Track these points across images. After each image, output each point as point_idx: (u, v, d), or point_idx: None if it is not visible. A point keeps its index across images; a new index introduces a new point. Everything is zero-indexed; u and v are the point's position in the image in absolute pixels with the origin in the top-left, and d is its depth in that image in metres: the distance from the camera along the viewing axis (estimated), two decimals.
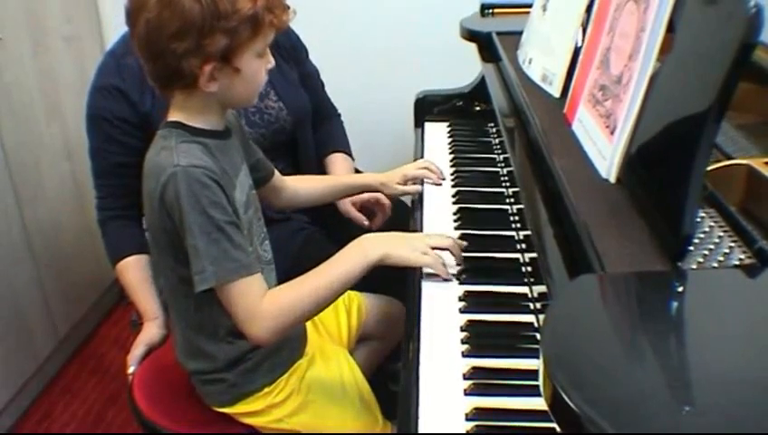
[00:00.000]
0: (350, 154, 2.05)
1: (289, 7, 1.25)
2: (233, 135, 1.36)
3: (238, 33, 1.16)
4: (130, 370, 1.57)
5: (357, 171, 2.10)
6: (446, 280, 1.33)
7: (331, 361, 1.50)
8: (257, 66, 1.24)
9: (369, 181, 1.73)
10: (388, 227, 1.77)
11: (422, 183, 1.73)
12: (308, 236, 1.89)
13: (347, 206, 1.88)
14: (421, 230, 1.55)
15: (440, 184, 1.73)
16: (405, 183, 1.71)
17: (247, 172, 1.39)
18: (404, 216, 1.76)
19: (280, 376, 1.42)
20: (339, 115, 2.14)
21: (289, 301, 1.26)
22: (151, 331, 1.61)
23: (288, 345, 1.43)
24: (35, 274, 2.31)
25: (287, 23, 1.24)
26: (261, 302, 1.23)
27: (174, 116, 1.27)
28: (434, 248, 1.34)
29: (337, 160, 2.00)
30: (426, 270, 1.35)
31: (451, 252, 1.36)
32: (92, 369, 2.54)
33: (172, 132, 1.25)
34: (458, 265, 1.37)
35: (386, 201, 1.86)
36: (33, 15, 2.28)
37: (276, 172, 1.59)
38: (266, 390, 1.41)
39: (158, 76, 1.22)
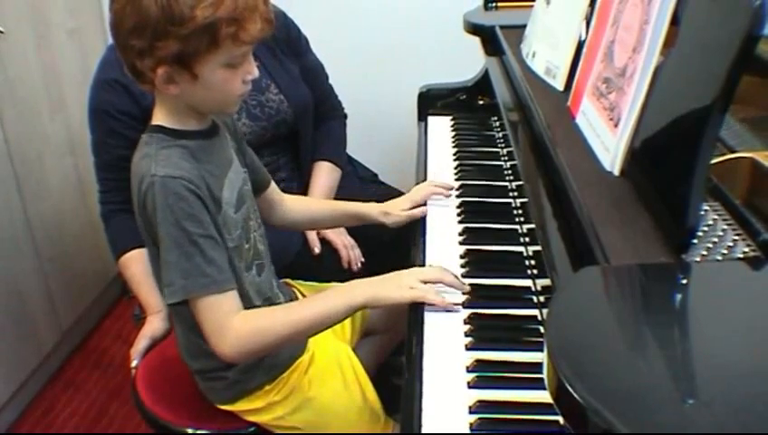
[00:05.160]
0: (339, 163, 2.02)
1: (269, 19, 1.19)
2: (221, 132, 1.34)
3: (191, 41, 1.12)
4: (133, 363, 1.57)
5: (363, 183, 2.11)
6: (447, 310, 1.27)
7: (332, 358, 1.49)
8: (225, 76, 1.18)
9: (370, 212, 1.61)
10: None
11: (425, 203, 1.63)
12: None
13: (312, 232, 1.87)
14: (425, 223, 1.55)
15: (449, 195, 1.65)
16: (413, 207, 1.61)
17: (239, 168, 1.37)
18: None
19: (281, 374, 1.42)
20: (344, 116, 2.13)
21: (262, 325, 1.25)
22: (154, 324, 1.61)
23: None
24: (38, 268, 2.31)
25: (259, 36, 1.17)
26: (231, 319, 1.22)
27: (156, 118, 1.26)
28: (427, 281, 1.30)
29: (322, 170, 1.98)
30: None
31: (445, 283, 1.30)
32: (95, 362, 2.55)
33: (153, 137, 1.24)
34: (459, 290, 1.31)
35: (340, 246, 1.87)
36: (35, 9, 2.28)
37: (273, 186, 1.55)
38: (267, 387, 1.41)
39: (128, 70, 1.21)
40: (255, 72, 1.23)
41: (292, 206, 1.62)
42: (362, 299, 1.28)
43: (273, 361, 1.40)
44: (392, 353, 1.75)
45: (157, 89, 1.21)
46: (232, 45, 1.15)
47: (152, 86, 1.20)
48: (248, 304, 1.29)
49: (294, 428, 1.43)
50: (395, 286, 1.29)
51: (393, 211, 1.60)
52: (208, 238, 1.20)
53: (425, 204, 1.62)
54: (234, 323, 1.21)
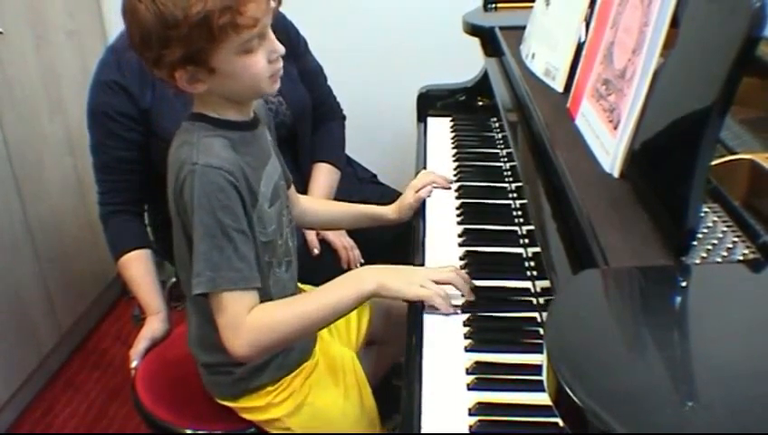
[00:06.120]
0: (338, 164, 2.04)
1: None
2: (261, 125, 1.33)
3: (192, 40, 1.10)
4: (133, 364, 1.57)
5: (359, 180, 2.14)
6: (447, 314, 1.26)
7: (337, 364, 1.49)
8: (245, 63, 1.16)
9: (386, 213, 1.64)
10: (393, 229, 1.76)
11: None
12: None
13: (311, 233, 1.90)
14: (424, 225, 1.55)
15: (449, 188, 1.68)
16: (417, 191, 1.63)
17: (276, 162, 1.36)
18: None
19: (285, 376, 1.41)
20: (342, 118, 2.13)
21: (273, 320, 1.23)
22: (154, 325, 1.61)
23: (299, 346, 1.41)
24: (38, 269, 2.31)
25: (262, 16, 1.14)
26: (246, 316, 1.21)
27: (197, 107, 1.25)
28: (437, 282, 1.27)
29: (321, 172, 2.00)
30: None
31: (455, 286, 1.28)
32: (95, 363, 2.55)
33: (195, 125, 1.23)
34: (464, 296, 1.29)
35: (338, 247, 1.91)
36: (34, 10, 2.28)
37: (292, 186, 1.55)
38: (269, 388, 1.41)
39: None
40: (280, 48, 1.21)
41: (310, 206, 1.63)
42: (373, 286, 1.26)
43: (281, 362, 1.39)
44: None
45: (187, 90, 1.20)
46: (234, 34, 1.12)
47: (182, 90, 1.20)
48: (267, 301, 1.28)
49: (288, 429, 1.43)
50: (406, 282, 1.27)
51: (403, 203, 1.62)
52: (241, 233, 1.20)
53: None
54: (247, 320, 1.21)
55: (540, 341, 1.18)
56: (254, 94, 1.27)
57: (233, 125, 1.25)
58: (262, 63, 1.19)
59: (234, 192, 1.18)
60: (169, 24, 1.09)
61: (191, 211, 1.18)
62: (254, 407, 1.42)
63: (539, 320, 1.23)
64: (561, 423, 0.68)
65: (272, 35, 1.20)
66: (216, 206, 1.17)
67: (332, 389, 1.45)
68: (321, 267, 1.82)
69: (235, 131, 1.25)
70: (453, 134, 2.01)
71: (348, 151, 2.14)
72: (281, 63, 1.23)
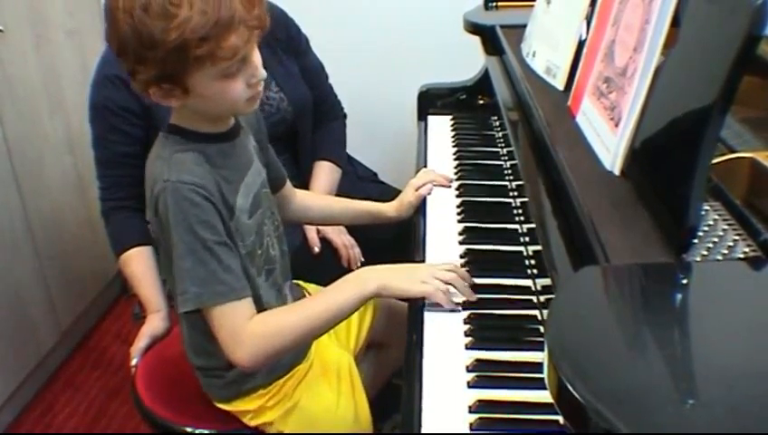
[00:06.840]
0: (340, 162, 2.04)
1: (256, 24, 1.12)
2: (243, 133, 1.31)
3: (167, 64, 1.08)
4: (133, 362, 1.56)
5: (359, 178, 2.14)
6: (451, 310, 1.26)
7: (332, 368, 1.47)
8: (223, 87, 1.14)
9: (385, 210, 1.63)
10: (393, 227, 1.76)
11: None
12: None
13: (312, 231, 1.90)
14: (425, 223, 1.55)
15: (449, 186, 1.68)
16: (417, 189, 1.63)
17: (258, 169, 1.35)
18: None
19: (277, 379, 1.40)
20: (343, 116, 2.13)
21: (276, 326, 1.23)
22: (154, 323, 1.60)
23: None
24: (38, 267, 2.31)
25: (244, 46, 1.11)
26: (246, 325, 1.20)
27: (173, 118, 1.24)
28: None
29: (322, 170, 2.00)
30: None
31: (455, 286, 1.27)
32: (94, 362, 2.55)
33: (169, 139, 1.22)
34: (466, 298, 1.28)
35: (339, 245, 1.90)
36: (35, 9, 2.28)
37: (288, 183, 1.54)
38: (262, 391, 1.40)
39: None
40: (262, 73, 1.18)
41: (307, 201, 1.63)
42: (374, 287, 1.25)
43: (273, 365, 1.38)
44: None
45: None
46: (211, 64, 1.09)
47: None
48: (262, 310, 1.27)
49: (280, 432, 1.42)
50: (407, 278, 1.27)
51: (403, 201, 1.62)
52: (223, 245, 1.19)
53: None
54: (248, 329, 1.20)
55: (540, 338, 1.18)
56: (229, 114, 1.26)
57: (209, 138, 1.24)
58: (239, 88, 1.16)
59: (209, 205, 1.17)
60: (145, 44, 1.07)
61: (168, 228, 1.17)
62: (248, 410, 1.41)
63: (539, 318, 1.23)
64: (561, 421, 0.68)
65: (255, 59, 1.17)
66: (192, 221, 1.16)
67: (326, 393, 1.44)
68: (321, 266, 1.82)
69: (211, 144, 1.23)
70: (453, 133, 2.01)
71: (348, 150, 2.14)
72: (261, 87, 1.20)
